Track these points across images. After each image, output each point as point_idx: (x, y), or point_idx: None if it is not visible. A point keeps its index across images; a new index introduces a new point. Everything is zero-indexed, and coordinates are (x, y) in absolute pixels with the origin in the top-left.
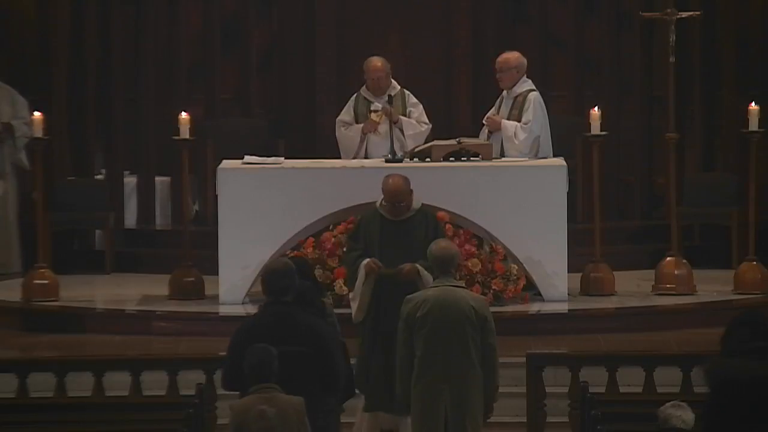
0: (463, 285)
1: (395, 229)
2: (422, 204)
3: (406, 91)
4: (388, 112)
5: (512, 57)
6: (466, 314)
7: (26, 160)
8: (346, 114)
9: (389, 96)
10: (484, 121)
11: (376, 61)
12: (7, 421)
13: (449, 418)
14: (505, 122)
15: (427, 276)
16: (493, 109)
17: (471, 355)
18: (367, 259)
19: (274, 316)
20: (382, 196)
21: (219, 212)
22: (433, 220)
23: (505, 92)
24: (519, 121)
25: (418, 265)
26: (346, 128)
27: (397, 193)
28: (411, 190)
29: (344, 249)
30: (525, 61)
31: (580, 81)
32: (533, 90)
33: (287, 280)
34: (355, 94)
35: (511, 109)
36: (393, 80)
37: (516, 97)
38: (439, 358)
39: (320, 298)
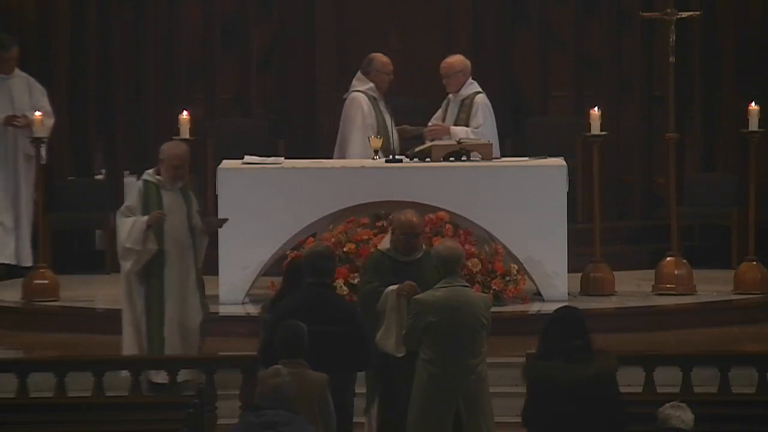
0: (467, 284)
1: (409, 271)
2: (425, 247)
3: None
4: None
5: (456, 61)
6: (478, 317)
7: (35, 152)
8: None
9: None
10: (427, 130)
11: (386, 57)
12: (7, 421)
13: (464, 421)
14: (454, 128)
15: None
16: (439, 112)
17: (482, 355)
18: (399, 286)
19: (317, 297)
20: (394, 236)
21: (219, 212)
22: None
23: (450, 96)
24: (467, 123)
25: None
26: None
27: (414, 226)
28: (423, 230)
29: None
30: (469, 63)
31: (580, 81)
32: (479, 92)
33: (329, 263)
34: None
35: (459, 113)
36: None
37: (463, 100)
38: (452, 361)
39: None
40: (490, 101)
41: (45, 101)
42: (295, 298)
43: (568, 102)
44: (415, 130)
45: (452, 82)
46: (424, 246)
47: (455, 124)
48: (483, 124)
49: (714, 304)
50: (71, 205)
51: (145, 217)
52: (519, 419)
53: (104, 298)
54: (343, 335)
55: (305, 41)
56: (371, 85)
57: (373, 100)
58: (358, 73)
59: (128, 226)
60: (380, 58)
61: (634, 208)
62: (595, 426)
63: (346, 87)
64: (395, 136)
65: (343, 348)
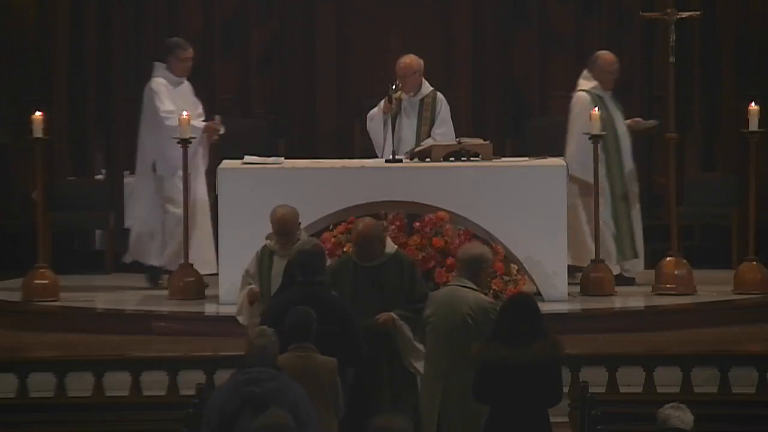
0: (472, 286)
1: (370, 275)
2: (397, 249)
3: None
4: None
5: (413, 61)
6: (462, 315)
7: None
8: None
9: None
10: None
11: (611, 56)
12: (7, 421)
13: (450, 416)
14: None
15: (403, 326)
16: (379, 112)
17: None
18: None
19: (306, 295)
20: (352, 242)
21: (219, 212)
22: (408, 265)
23: (404, 96)
24: (432, 121)
25: (393, 315)
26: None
27: (361, 235)
28: (382, 237)
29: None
30: (422, 62)
31: None
32: (435, 89)
33: (317, 261)
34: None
35: (421, 111)
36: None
37: (422, 99)
38: (440, 356)
39: None
40: (490, 101)
41: (201, 109)
42: (284, 296)
43: (568, 102)
44: (648, 123)
45: (409, 83)
46: (395, 249)
47: (418, 123)
48: (447, 122)
49: (714, 304)
50: (71, 205)
51: (246, 290)
52: None
53: (104, 298)
54: (333, 332)
55: (305, 41)
56: (595, 83)
57: (597, 98)
58: (585, 72)
59: (241, 298)
60: (605, 56)
61: None
62: (533, 405)
63: (346, 87)
64: (622, 130)
65: (334, 344)
